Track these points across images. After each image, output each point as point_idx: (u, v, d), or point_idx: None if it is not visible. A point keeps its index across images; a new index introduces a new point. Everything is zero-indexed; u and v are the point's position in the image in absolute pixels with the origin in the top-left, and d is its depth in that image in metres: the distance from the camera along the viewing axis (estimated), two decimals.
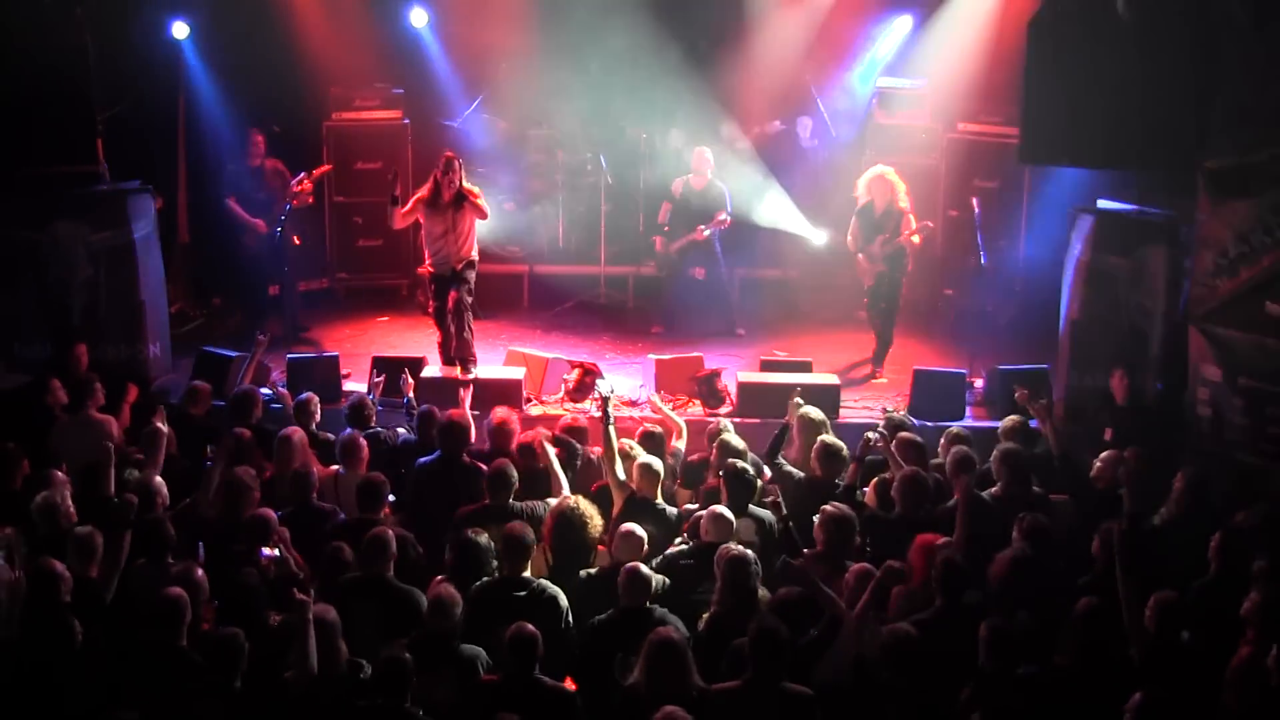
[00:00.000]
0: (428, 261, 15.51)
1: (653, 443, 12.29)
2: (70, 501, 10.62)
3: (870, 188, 16.17)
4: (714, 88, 19.21)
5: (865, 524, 10.57)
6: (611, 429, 11.71)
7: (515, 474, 11.23)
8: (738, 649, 8.73)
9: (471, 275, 15.37)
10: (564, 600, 9.81)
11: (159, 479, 11.04)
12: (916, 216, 16.02)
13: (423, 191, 15.29)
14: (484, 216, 15.44)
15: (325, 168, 18.33)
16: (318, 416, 13.12)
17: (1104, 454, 11.83)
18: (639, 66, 18.85)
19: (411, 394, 13.75)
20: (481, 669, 9.04)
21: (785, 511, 10.52)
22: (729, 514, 10.55)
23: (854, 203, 16.48)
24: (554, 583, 10.00)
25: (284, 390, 14.57)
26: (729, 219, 17.84)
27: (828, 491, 11.31)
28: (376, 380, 14.12)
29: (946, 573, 9.36)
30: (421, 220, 15.32)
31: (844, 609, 9.24)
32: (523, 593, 9.72)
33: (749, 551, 9.84)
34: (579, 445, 12.48)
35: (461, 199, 15.04)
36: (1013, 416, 12.76)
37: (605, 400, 12.05)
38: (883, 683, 8.52)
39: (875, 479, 11.61)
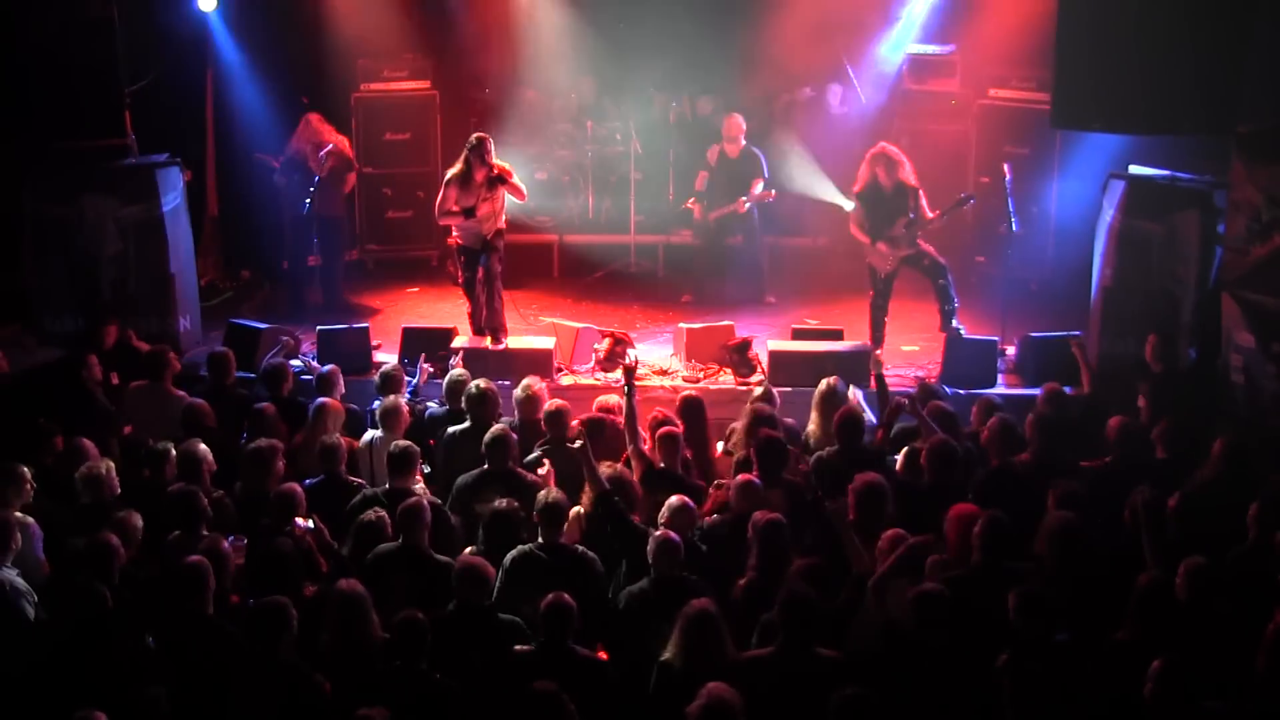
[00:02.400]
0: (457, 233, 15.50)
1: (692, 409, 12.29)
2: (115, 474, 10.69)
3: (874, 167, 15.55)
4: (743, 54, 19.14)
5: (895, 492, 10.51)
6: (633, 399, 11.68)
7: (513, 438, 11.25)
8: (769, 623, 8.71)
9: (501, 245, 15.36)
10: (600, 566, 9.83)
11: (203, 448, 11.08)
12: (925, 191, 15.78)
13: (454, 170, 15.25)
14: (523, 198, 15.45)
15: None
16: (342, 389, 13.12)
17: (1111, 420, 11.72)
18: (668, 34, 18.81)
19: (423, 382, 13.70)
20: (518, 638, 9.05)
21: (816, 481, 10.48)
22: (758, 482, 10.55)
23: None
24: (589, 547, 10.02)
25: (314, 363, 14.58)
26: (774, 192, 17.84)
27: (853, 459, 11.30)
28: (425, 365, 14.04)
29: (990, 532, 9.33)
30: (453, 197, 15.26)
31: (868, 564, 9.29)
32: (562, 559, 9.72)
33: (781, 517, 9.85)
34: (604, 421, 12.43)
35: (496, 180, 15.01)
36: (1050, 384, 12.66)
37: (629, 371, 12.03)
38: (914, 647, 8.50)
39: (905, 448, 11.58)
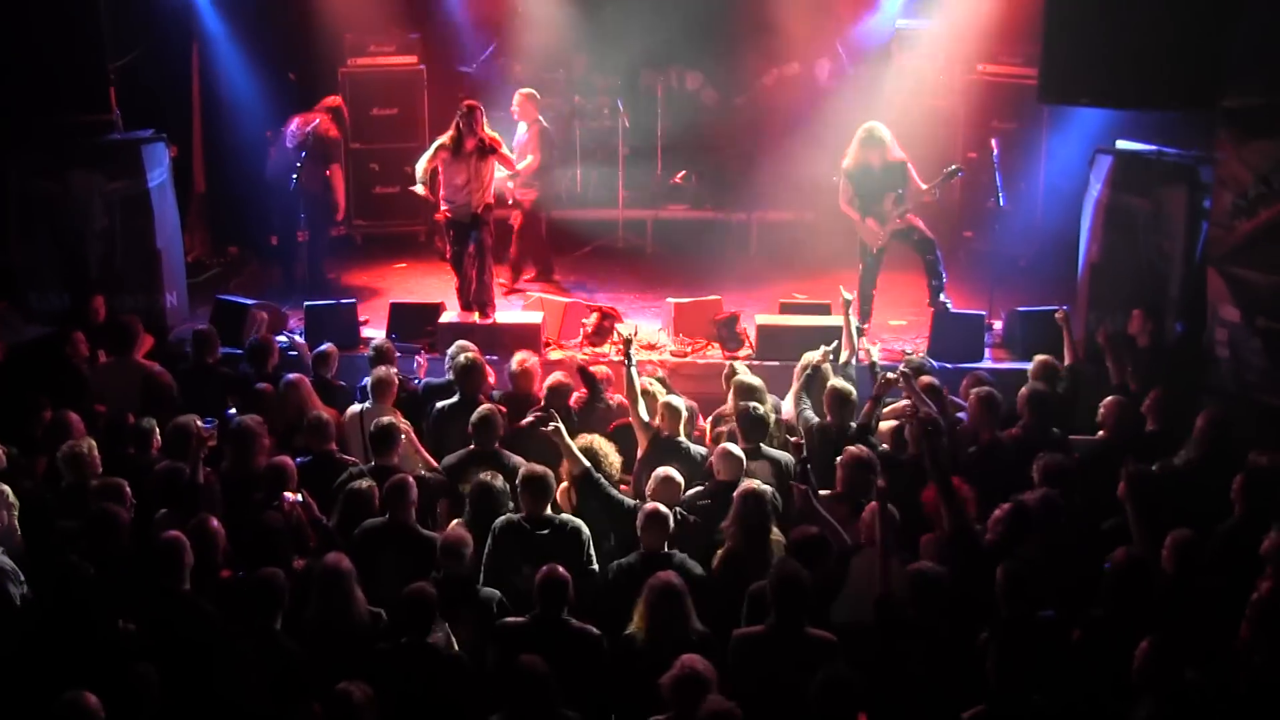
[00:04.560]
0: (445, 208, 15.46)
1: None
2: (96, 452, 10.66)
3: (864, 144, 15.47)
4: (731, 30, 19.11)
5: (880, 465, 10.52)
6: (634, 370, 11.67)
7: (500, 419, 11.23)
8: (758, 594, 8.75)
9: (490, 219, 15.35)
10: (587, 533, 9.85)
11: (197, 423, 11.03)
12: (915, 164, 15.76)
13: (444, 139, 15.25)
14: (513, 168, 15.46)
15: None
16: (335, 367, 13.12)
17: (1107, 399, 11.73)
18: (655, 9, 18.77)
19: (422, 376, 13.65)
20: (497, 610, 9.09)
21: (805, 454, 10.48)
22: (738, 450, 10.60)
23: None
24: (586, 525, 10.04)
25: (301, 340, 14.57)
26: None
27: (841, 435, 11.32)
28: (421, 359, 13.93)
29: (1015, 518, 9.38)
30: (441, 169, 15.26)
31: (845, 538, 9.38)
32: (545, 530, 9.74)
33: (766, 487, 9.87)
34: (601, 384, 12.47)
35: (486, 151, 15.01)
36: (1042, 355, 12.67)
37: (628, 342, 12.01)
38: (906, 622, 8.53)
39: (892, 423, 11.59)
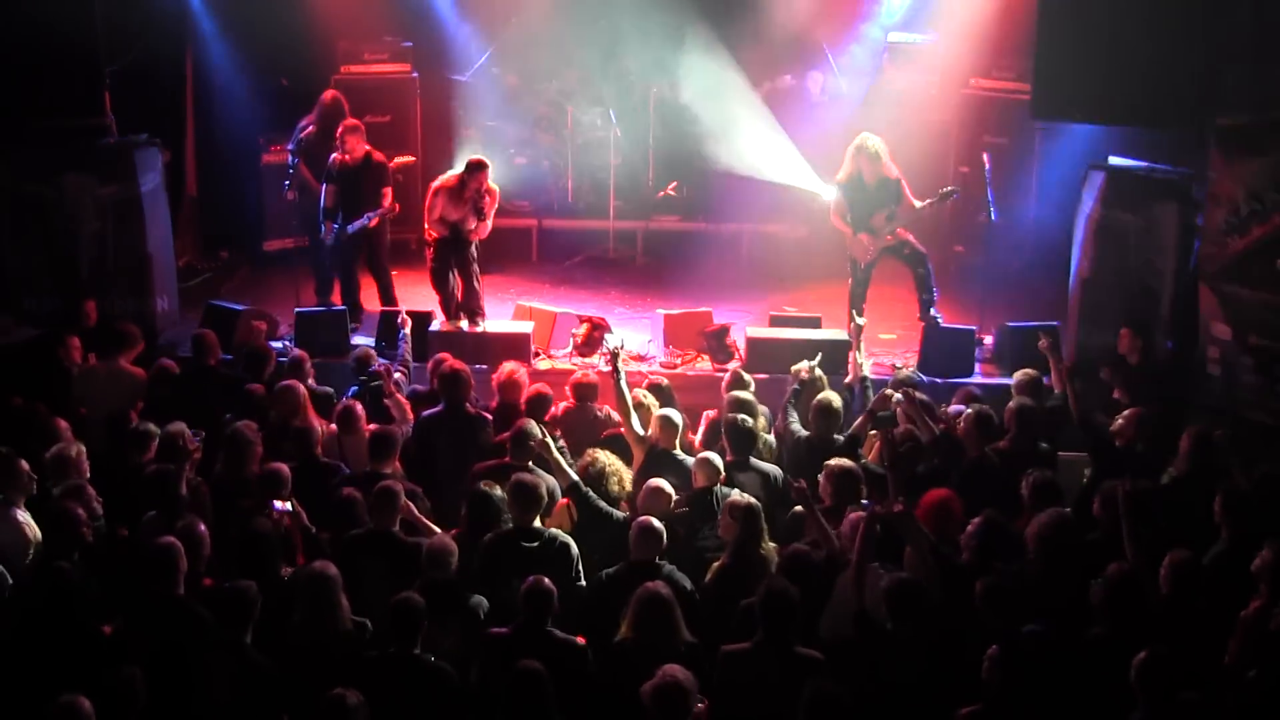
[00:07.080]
0: (430, 226, 15.47)
1: (661, 395, 12.28)
2: (84, 456, 10.61)
3: (858, 158, 15.43)
4: (724, 42, 19.11)
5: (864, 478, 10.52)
6: (623, 383, 11.67)
7: (538, 433, 11.01)
8: (747, 609, 8.75)
9: (475, 238, 15.40)
10: (575, 550, 9.83)
11: (187, 430, 11.02)
12: (908, 182, 15.73)
13: (446, 182, 15.36)
14: (483, 238, 15.42)
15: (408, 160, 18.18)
16: (311, 376, 13.10)
17: (1126, 411, 11.76)
18: (649, 20, 18.77)
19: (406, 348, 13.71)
20: (483, 618, 9.09)
21: (784, 468, 10.52)
22: (715, 458, 10.64)
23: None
24: (577, 539, 10.01)
25: (295, 348, 14.55)
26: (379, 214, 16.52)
27: (824, 447, 11.32)
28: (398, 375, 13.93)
29: (984, 532, 9.37)
30: (440, 207, 15.27)
31: (840, 549, 9.39)
32: (534, 543, 9.72)
33: (756, 502, 9.86)
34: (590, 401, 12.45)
35: (481, 211, 15.20)
36: (1026, 370, 12.69)
37: (615, 355, 12.03)
38: (888, 635, 8.52)
39: (881, 436, 11.60)
